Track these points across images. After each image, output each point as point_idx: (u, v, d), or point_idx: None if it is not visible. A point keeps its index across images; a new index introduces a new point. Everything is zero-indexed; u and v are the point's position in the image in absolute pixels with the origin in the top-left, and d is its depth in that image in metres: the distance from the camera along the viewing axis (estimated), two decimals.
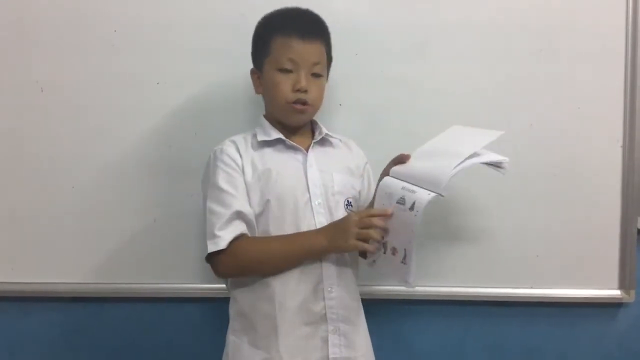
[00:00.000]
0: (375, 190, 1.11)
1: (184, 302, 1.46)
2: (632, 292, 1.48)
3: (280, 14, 1.19)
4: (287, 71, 1.13)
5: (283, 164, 1.16)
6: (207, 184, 1.14)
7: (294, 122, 1.19)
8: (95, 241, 1.43)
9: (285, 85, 1.13)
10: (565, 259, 1.47)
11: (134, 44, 1.41)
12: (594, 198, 1.47)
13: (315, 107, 1.19)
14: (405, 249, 1.03)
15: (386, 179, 1.10)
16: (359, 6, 1.42)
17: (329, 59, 1.22)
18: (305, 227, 1.12)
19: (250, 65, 1.22)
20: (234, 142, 1.17)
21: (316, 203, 1.14)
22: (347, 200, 1.18)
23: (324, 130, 1.22)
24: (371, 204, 1.14)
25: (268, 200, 1.11)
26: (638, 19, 1.45)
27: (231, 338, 1.15)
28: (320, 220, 1.12)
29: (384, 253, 1.07)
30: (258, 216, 1.12)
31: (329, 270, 1.12)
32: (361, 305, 1.21)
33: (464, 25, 1.43)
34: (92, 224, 1.42)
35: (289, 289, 1.10)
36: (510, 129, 1.40)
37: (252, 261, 1.10)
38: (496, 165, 1.09)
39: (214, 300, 1.41)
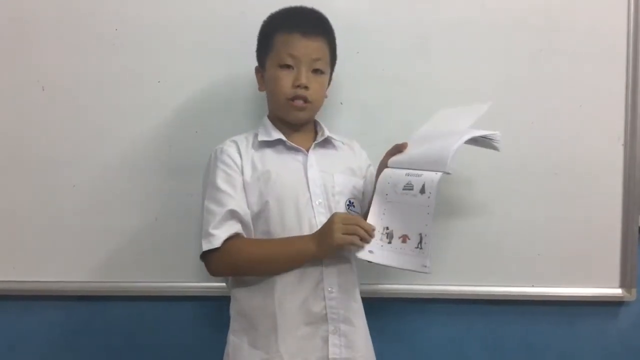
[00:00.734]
0: (375, 185, 1.11)
1: (185, 301, 1.46)
2: (634, 291, 1.48)
3: (285, 12, 1.20)
4: (288, 67, 1.13)
5: (283, 165, 1.16)
6: (207, 183, 1.15)
7: (294, 119, 1.19)
8: (96, 240, 1.43)
9: (285, 80, 1.13)
10: (566, 257, 1.47)
11: (135, 43, 1.41)
12: (595, 197, 1.47)
13: (315, 104, 1.19)
14: (420, 234, 1.03)
15: (386, 170, 1.10)
16: (360, 5, 1.42)
17: (333, 57, 1.22)
18: (306, 227, 1.12)
19: (252, 64, 1.23)
20: (234, 142, 1.18)
21: (317, 203, 1.14)
22: (349, 201, 1.17)
23: (327, 132, 1.22)
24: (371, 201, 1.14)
25: (267, 201, 1.12)
26: (639, 18, 1.45)
27: (231, 338, 1.15)
28: (322, 220, 1.12)
29: (389, 243, 1.06)
30: (257, 216, 1.12)
31: (329, 270, 1.12)
32: (362, 306, 1.20)
33: (464, 25, 1.44)
34: (93, 222, 1.42)
35: (290, 289, 1.10)
36: (511, 129, 1.41)
37: (245, 261, 1.11)
38: (490, 140, 1.09)
39: (215, 298, 1.41)
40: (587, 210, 1.46)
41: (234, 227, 1.09)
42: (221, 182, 1.11)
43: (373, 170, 1.27)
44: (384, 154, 1.16)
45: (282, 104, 1.16)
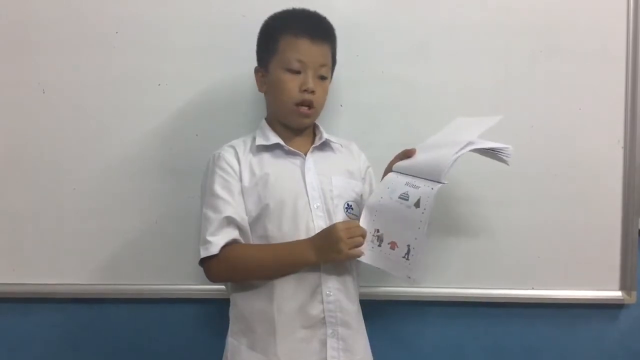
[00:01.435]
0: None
1: (184, 303, 1.46)
2: (634, 294, 1.48)
3: (290, 14, 1.19)
4: (295, 72, 1.13)
5: (281, 169, 1.16)
6: (205, 189, 1.15)
7: (298, 125, 1.19)
8: (96, 242, 1.43)
9: (292, 84, 1.13)
10: (566, 260, 1.47)
11: (135, 46, 1.41)
12: (595, 199, 1.46)
13: (319, 110, 1.19)
14: (408, 245, 1.03)
15: (390, 175, 1.11)
16: (360, 7, 1.42)
17: (334, 62, 1.22)
18: (304, 231, 1.12)
19: (252, 66, 1.22)
20: (232, 147, 1.17)
21: (315, 206, 1.14)
22: (347, 204, 1.17)
23: (325, 135, 1.22)
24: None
25: (266, 205, 1.11)
26: (639, 18, 1.45)
27: (230, 340, 1.15)
28: (319, 223, 1.12)
29: (379, 246, 1.07)
30: (255, 220, 1.13)
31: (328, 273, 1.12)
32: (360, 309, 1.21)
33: (464, 26, 1.44)
34: (93, 225, 1.42)
35: (288, 292, 1.10)
36: (511, 130, 1.41)
37: (242, 268, 1.11)
38: (498, 152, 1.09)
39: (215, 301, 1.41)
40: (587, 213, 1.46)
41: (231, 234, 1.10)
42: (218, 189, 1.12)
43: (372, 171, 1.27)
44: (384, 156, 1.16)
45: (288, 109, 1.15)
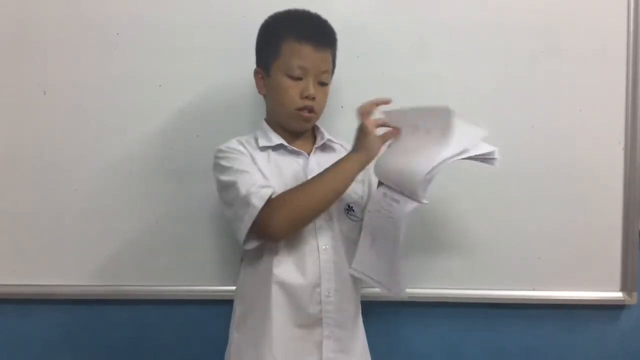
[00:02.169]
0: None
1: (186, 304, 1.46)
2: (635, 295, 1.48)
3: (293, 16, 1.17)
4: (296, 78, 1.13)
5: (284, 167, 1.15)
6: (221, 176, 1.11)
7: (298, 129, 1.19)
8: (96, 243, 1.43)
9: (293, 91, 1.13)
10: (566, 260, 1.46)
11: (136, 47, 1.41)
12: (595, 200, 1.46)
13: (319, 114, 1.19)
14: (390, 260, 1.04)
15: (380, 188, 1.09)
16: (360, 7, 1.42)
17: (334, 67, 1.22)
18: (304, 230, 1.11)
19: (252, 67, 1.22)
20: (238, 140, 1.17)
21: None
22: (348, 205, 1.17)
23: (326, 136, 1.22)
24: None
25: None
26: (639, 19, 1.45)
27: (234, 335, 1.16)
28: (320, 223, 1.12)
29: (371, 247, 1.08)
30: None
31: (327, 274, 1.12)
32: (360, 311, 1.20)
33: (464, 26, 1.43)
34: (94, 226, 1.42)
35: (287, 290, 1.10)
36: (511, 130, 1.41)
37: (298, 203, 1.05)
38: (485, 157, 1.02)
39: (217, 302, 1.41)
40: (587, 214, 1.46)
41: (270, 189, 1.06)
42: (237, 165, 1.09)
43: (372, 173, 1.26)
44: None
45: (289, 113, 1.15)
